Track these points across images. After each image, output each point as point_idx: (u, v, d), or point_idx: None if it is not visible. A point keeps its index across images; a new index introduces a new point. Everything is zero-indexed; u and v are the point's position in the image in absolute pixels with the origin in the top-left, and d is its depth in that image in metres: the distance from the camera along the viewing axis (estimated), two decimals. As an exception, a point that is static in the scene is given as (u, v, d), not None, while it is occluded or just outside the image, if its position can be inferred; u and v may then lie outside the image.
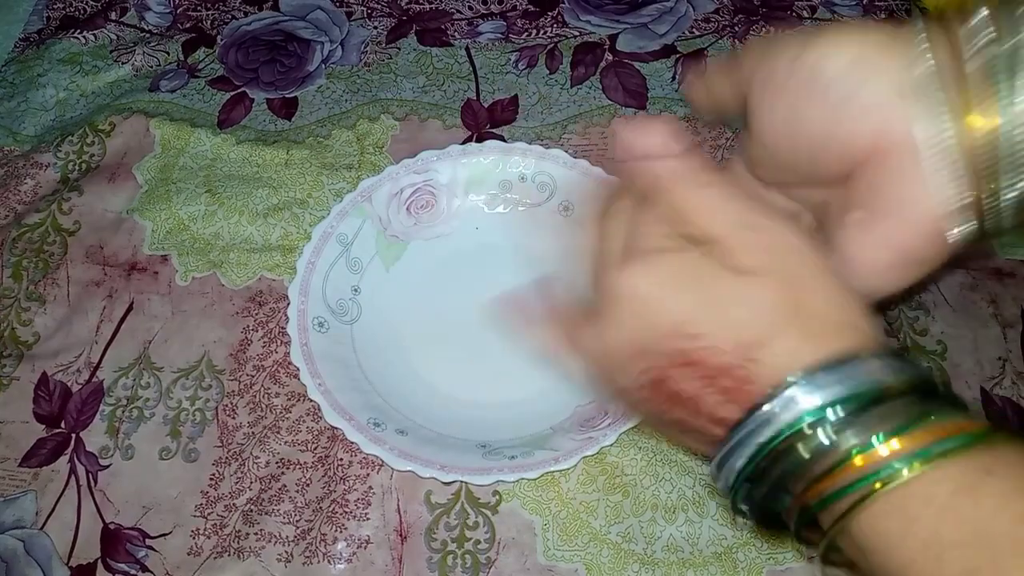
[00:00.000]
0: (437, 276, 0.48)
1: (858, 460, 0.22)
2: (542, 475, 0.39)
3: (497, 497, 0.42)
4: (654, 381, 0.25)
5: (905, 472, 0.21)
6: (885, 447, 0.22)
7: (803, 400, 0.22)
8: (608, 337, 0.26)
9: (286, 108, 0.56)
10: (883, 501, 0.21)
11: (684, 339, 0.24)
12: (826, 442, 0.22)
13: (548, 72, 0.57)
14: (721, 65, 0.29)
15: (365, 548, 0.41)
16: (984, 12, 0.23)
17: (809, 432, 0.22)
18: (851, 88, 0.25)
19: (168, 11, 0.62)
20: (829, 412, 0.22)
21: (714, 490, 0.42)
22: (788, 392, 0.23)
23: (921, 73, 0.24)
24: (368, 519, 0.41)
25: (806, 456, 0.23)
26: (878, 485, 0.21)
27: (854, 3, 0.61)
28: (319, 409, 0.41)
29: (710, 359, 0.24)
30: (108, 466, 0.43)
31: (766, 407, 0.23)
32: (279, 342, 0.46)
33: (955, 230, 0.24)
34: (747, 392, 0.23)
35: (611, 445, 0.40)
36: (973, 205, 0.24)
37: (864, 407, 0.22)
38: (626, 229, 0.27)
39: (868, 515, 0.22)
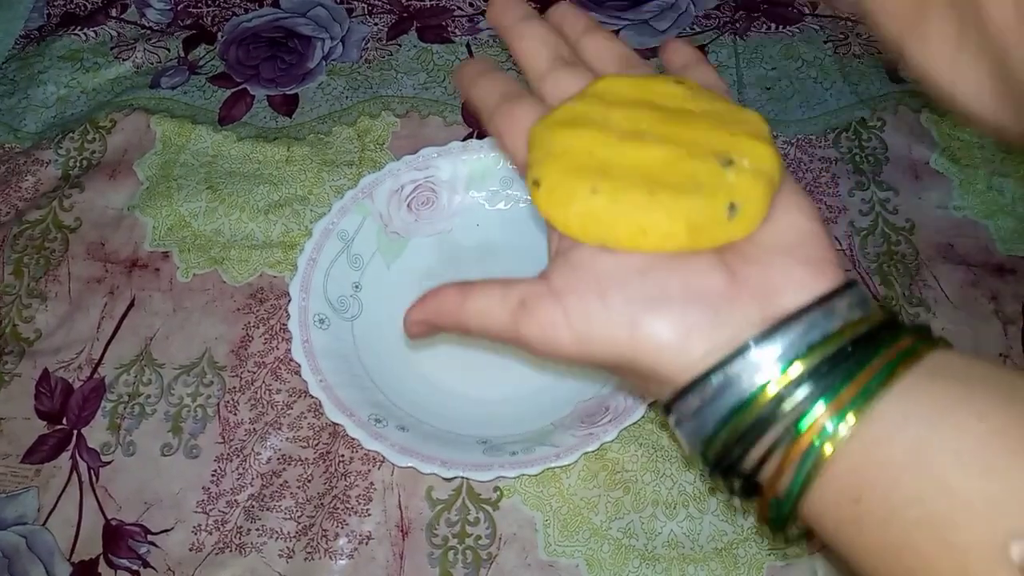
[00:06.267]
0: (438, 273, 0.48)
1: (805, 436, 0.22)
2: (543, 471, 0.39)
3: (498, 493, 0.42)
4: None
5: (842, 429, 0.21)
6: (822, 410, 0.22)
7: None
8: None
9: (287, 105, 0.56)
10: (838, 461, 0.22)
11: None
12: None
13: (549, 69, 0.57)
14: None
15: (366, 544, 0.41)
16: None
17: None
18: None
19: (168, 8, 0.62)
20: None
21: (714, 488, 0.42)
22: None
23: None
24: (369, 515, 0.42)
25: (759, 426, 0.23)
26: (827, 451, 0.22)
27: (855, -1, 0.61)
28: (320, 405, 0.41)
29: None
30: (110, 462, 0.43)
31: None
32: (280, 339, 0.47)
33: None
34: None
35: (612, 441, 0.40)
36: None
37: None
38: None
39: (820, 485, 0.22)
